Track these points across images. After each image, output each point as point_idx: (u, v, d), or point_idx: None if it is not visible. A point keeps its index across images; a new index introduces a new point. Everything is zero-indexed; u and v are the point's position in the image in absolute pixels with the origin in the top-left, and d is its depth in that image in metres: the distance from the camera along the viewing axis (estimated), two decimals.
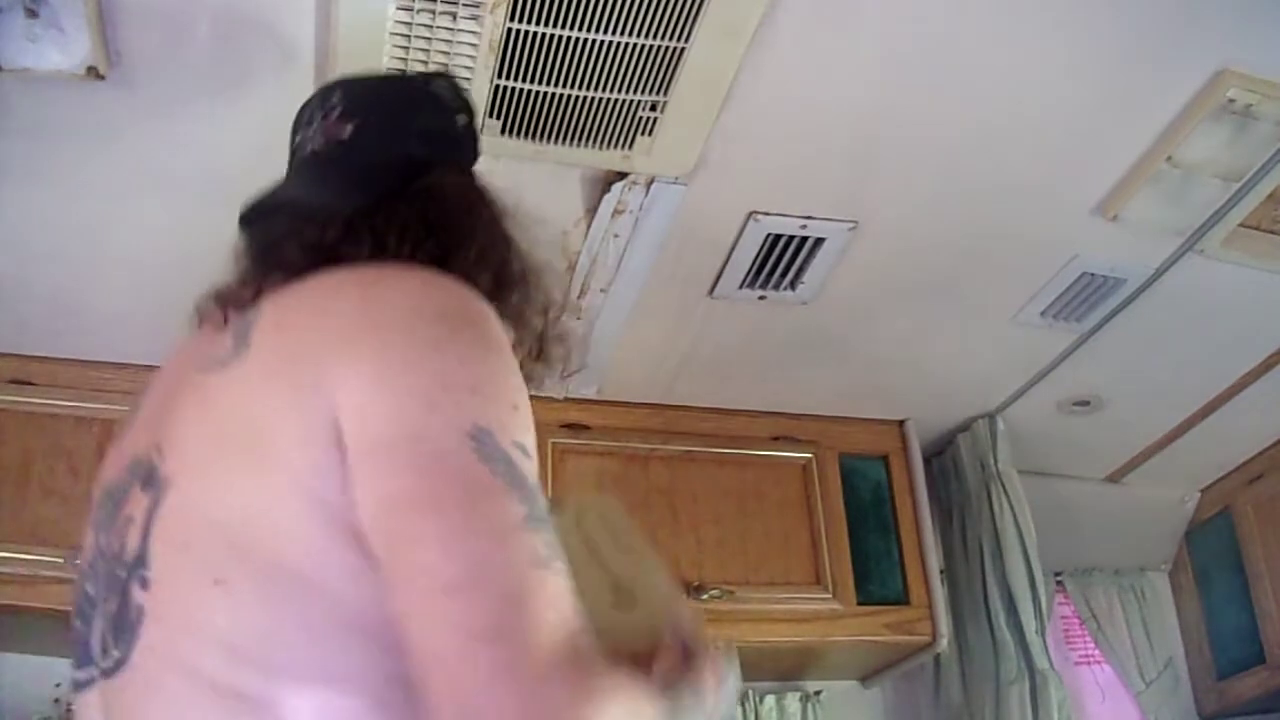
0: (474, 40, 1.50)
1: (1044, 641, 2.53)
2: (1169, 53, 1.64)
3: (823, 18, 1.55)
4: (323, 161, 1.04)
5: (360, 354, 0.78)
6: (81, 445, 2.16)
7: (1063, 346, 2.41)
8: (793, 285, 2.13)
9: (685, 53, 1.55)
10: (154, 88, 1.59)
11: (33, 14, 1.42)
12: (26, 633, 2.16)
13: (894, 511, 2.60)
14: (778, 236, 1.99)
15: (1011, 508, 2.60)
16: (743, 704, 2.59)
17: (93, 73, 1.51)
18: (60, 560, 2.04)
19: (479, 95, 1.58)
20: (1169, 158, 1.81)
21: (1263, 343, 2.43)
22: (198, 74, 1.57)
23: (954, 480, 2.79)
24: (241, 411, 0.81)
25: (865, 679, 2.77)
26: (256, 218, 1.03)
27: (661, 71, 1.58)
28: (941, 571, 2.64)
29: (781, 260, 2.06)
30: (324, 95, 1.08)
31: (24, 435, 2.15)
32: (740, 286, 2.13)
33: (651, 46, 1.54)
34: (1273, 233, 2.02)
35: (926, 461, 2.74)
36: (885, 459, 2.65)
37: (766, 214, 1.95)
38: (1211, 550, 3.03)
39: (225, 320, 0.90)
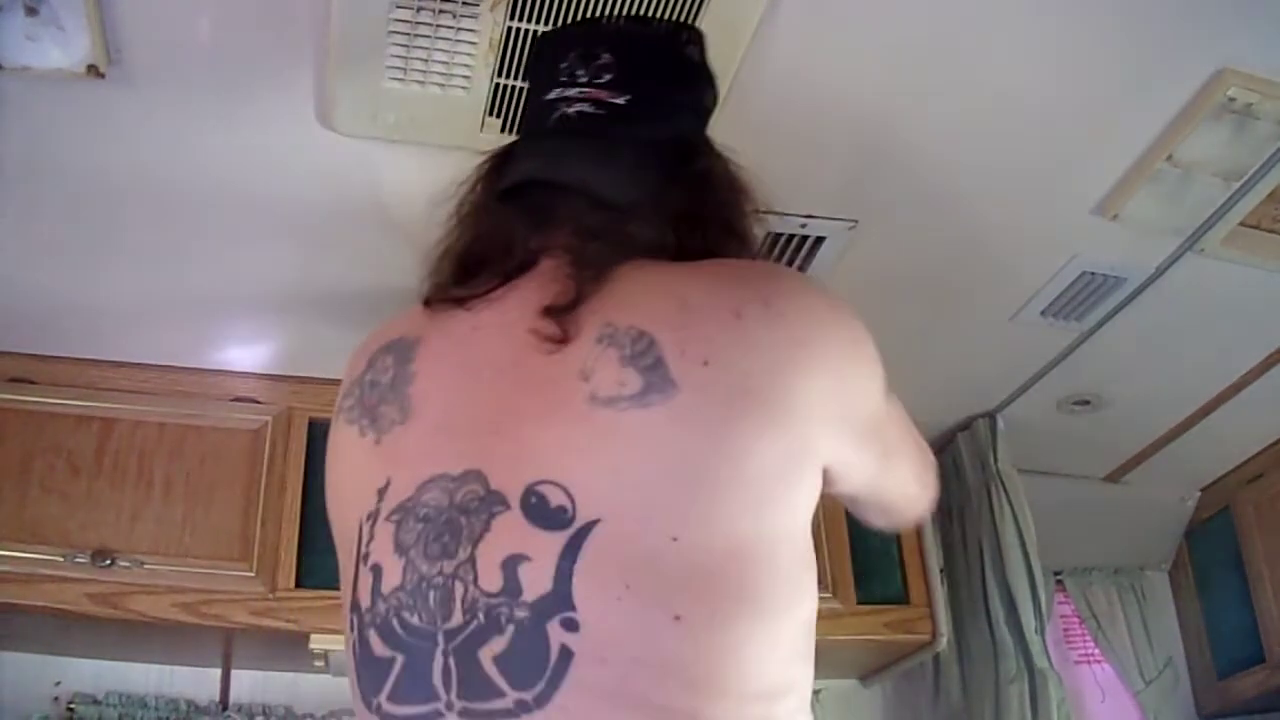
0: (474, 39, 1.50)
1: (1043, 640, 2.53)
2: (1169, 51, 1.64)
3: (823, 16, 1.55)
4: (597, 134, 1.03)
5: (822, 379, 0.92)
6: (81, 444, 2.16)
7: (1062, 346, 2.41)
8: None
9: None
10: (154, 86, 1.59)
11: (32, 12, 1.42)
12: (26, 631, 2.16)
13: None
14: (777, 235, 1.99)
15: (1011, 507, 2.59)
16: None
17: (92, 71, 1.51)
18: (60, 559, 2.04)
19: (479, 94, 1.58)
20: (1169, 157, 1.81)
21: (1263, 342, 2.43)
22: (197, 72, 1.57)
23: (954, 479, 2.78)
24: (695, 449, 0.84)
25: (864, 678, 2.77)
26: (532, 190, 1.02)
27: None
28: (941, 571, 2.63)
29: (781, 259, 2.05)
30: (587, 48, 1.05)
31: (24, 434, 2.15)
32: None
33: None
34: (1273, 232, 2.01)
35: None
36: None
37: (766, 213, 1.94)
38: (1211, 549, 3.03)
39: (564, 335, 0.90)
